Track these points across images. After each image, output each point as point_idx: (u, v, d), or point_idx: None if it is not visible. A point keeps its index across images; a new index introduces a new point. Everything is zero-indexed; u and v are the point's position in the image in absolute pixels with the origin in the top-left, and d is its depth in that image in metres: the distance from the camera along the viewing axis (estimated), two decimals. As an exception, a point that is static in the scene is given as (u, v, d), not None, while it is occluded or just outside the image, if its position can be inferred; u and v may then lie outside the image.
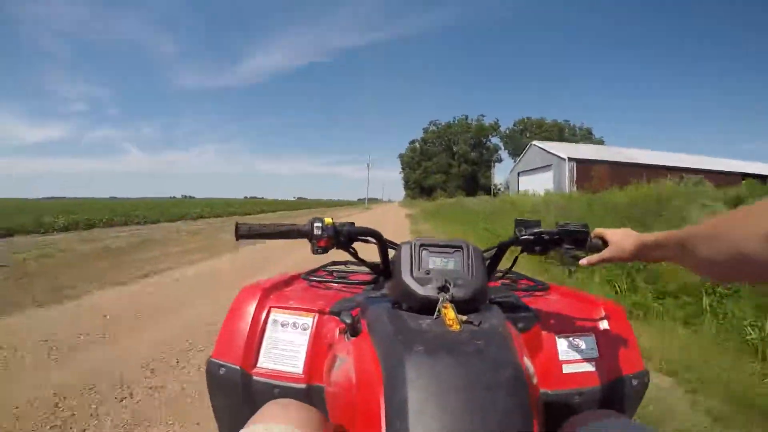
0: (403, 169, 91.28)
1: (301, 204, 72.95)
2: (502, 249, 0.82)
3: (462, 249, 0.71)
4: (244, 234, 0.73)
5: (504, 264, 0.92)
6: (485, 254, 0.77)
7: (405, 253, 0.70)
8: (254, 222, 0.75)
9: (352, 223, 0.77)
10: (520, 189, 30.40)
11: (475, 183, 56.67)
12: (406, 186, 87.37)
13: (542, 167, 29.01)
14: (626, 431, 0.56)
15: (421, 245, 0.70)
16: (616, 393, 0.78)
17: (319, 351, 0.80)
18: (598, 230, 0.73)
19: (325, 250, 0.74)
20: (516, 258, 0.91)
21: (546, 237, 0.77)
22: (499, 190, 49.52)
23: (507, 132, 59.12)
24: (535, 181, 28.51)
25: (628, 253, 0.65)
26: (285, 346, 0.82)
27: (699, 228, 0.48)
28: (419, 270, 0.68)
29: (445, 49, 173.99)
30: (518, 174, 33.63)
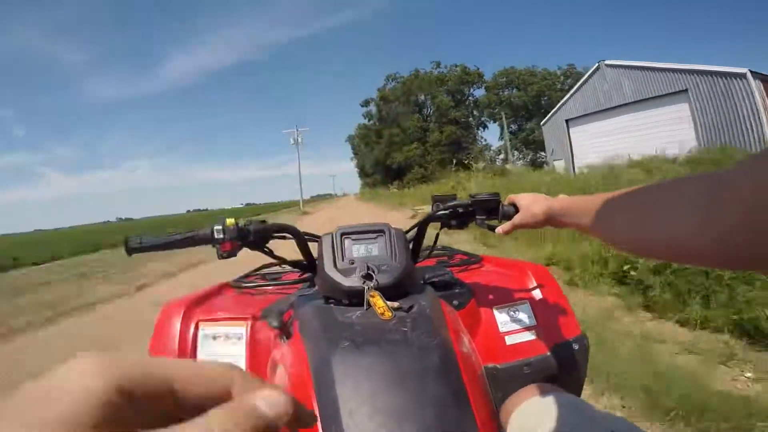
0: (355, 153, 71.27)
1: (245, 211, 63.23)
2: (422, 227, 0.80)
3: (384, 233, 0.68)
4: (134, 248, 0.67)
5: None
6: (408, 235, 0.74)
7: (326, 244, 0.67)
8: (149, 234, 0.68)
9: (262, 221, 0.72)
10: (574, 149, 16.80)
11: (463, 153, 38.03)
12: (363, 173, 68.20)
13: (638, 102, 13.70)
14: (566, 407, 0.52)
15: (342, 234, 0.67)
16: (561, 360, 0.74)
17: (258, 359, 0.73)
18: (510, 197, 0.70)
19: (231, 254, 0.68)
20: (437, 234, 0.90)
21: (461, 210, 0.75)
22: (492, 161, 32.18)
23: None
24: (612, 130, 14.69)
25: (538, 219, 0.62)
26: (221, 359, 0.69)
27: (616, 197, 0.42)
28: (343, 260, 0.65)
29: (385, 23, 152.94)
30: (567, 123, 17.34)
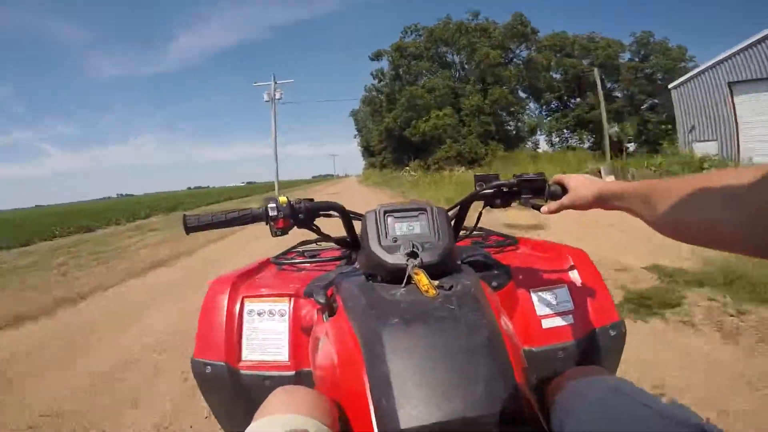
0: (359, 129, 59.44)
1: (245, 189, 57.83)
2: (464, 206, 0.78)
3: (426, 211, 0.67)
4: (192, 226, 0.67)
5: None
6: (450, 213, 0.73)
7: (370, 222, 0.66)
8: (203, 213, 0.69)
9: (311, 199, 0.71)
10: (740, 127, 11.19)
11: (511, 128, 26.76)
12: (367, 151, 56.97)
13: None
14: (613, 390, 0.51)
15: (385, 212, 0.67)
16: (596, 346, 0.72)
17: (301, 335, 0.74)
18: (557, 177, 0.69)
19: (284, 232, 0.67)
20: (480, 213, 0.86)
21: (505, 189, 0.73)
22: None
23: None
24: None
25: (587, 201, 0.62)
26: (266, 335, 0.75)
27: (666, 184, 0.45)
28: (386, 238, 0.64)
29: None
30: (729, 87, 11.00)
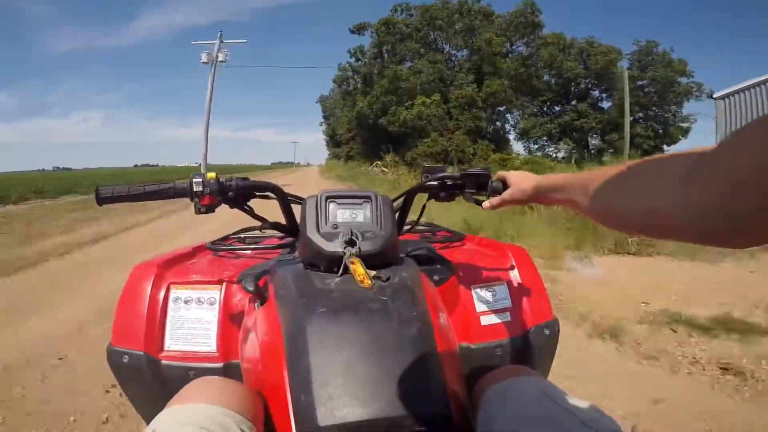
0: (326, 117, 54.40)
1: (197, 169, 44.10)
2: (409, 197, 0.77)
3: (371, 199, 0.64)
4: (106, 197, 0.62)
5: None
6: (394, 204, 0.70)
7: (310, 207, 0.62)
8: (122, 184, 0.64)
9: (245, 177, 0.67)
10: None
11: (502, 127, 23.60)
12: (332, 141, 52.02)
13: None
14: (535, 391, 0.51)
15: (328, 198, 0.63)
16: (531, 344, 0.72)
17: (231, 325, 0.70)
18: (500, 173, 0.70)
19: (210, 209, 0.64)
20: (424, 206, 0.84)
21: (450, 182, 0.72)
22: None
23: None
24: None
25: (526, 195, 0.62)
26: (192, 324, 0.70)
27: (604, 171, 0.42)
28: (326, 224, 0.61)
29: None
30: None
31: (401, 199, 0.76)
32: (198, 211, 0.63)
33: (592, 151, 28.97)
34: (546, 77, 25.24)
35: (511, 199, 0.65)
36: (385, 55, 23.44)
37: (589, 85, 28.59)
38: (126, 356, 0.68)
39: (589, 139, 29.65)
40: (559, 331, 0.76)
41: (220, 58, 15.74)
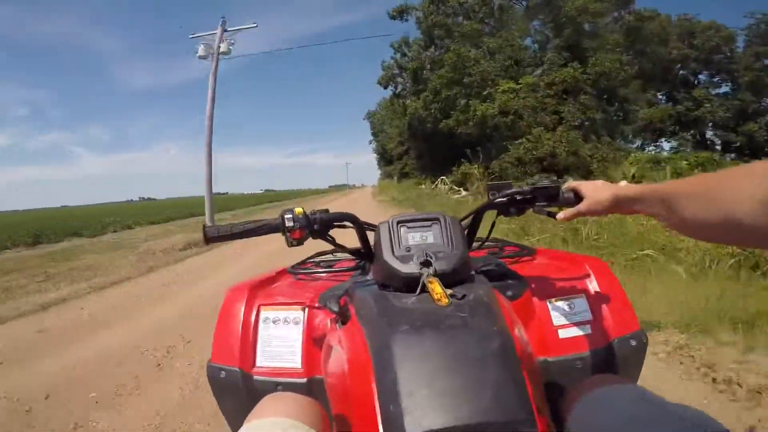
0: (375, 134, 49.98)
1: (264, 197, 56.97)
2: (478, 215, 0.76)
3: (439, 221, 0.65)
4: (213, 237, 0.67)
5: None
6: (463, 223, 0.71)
7: (384, 232, 0.64)
8: (224, 225, 0.70)
9: (326, 210, 0.71)
10: None
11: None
12: (383, 159, 47.26)
13: None
14: (631, 397, 0.50)
15: (398, 222, 0.65)
16: (616, 356, 0.70)
17: (314, 343, 0.74)
18: (571, 184, 0.68)
19: (300, 242, 0.67)
20: (494, 223, 0.81)
21: (519, 197, 0.70)
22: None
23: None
24: None
25: (604, 207, 0.60)
26: (280, 342, 0.75)
27: (685, 185, 0.43)
28: (400, 248, 0.62)
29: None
30: None
31: (469, 218, 0.76)
32: (290, 244, 0.66)
33: (709, 144, 21.12)
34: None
35: (587, 210, 0.62)
36: (437, 40, 17.67)
37: (696, 69, 20.88)
38: (223, 372, 0.72)
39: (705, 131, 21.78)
40: (647, 342, 0.73)
41: (223, 48, 10.80)
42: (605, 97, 15.28)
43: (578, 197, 0.65)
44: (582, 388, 0.55)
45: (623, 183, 0.60)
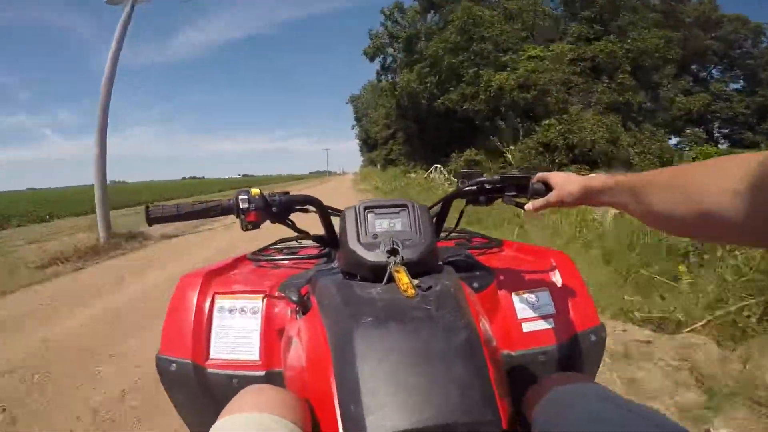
0: (358, 118, 46.64)
1: (241, 182, 55.11)
2: (447, 203, 0.74)
3: (407, 208, 0.62)
4: (156, 218, 0.63)
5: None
6: (431, 211, 0.69)
7: (350, 218, 0.61)
8: (170, 204, 0.65)
9: (286, 192, 0.67)
10: None
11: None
12: (366, 144, 43.99)
13: None
14: (595, 397, 0.48)
15: (365, 208, 0.62)
16: (577, 351, 0.69)
17: (273, 334, 0.69)
18: (541, 174, 0.66)
19: (255, 225, 0.63)
20: (462, 211, 0.80)
21: (488, 186, 0.69)
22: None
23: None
24: None
25: (573, 197, 0.58)
26: (236, 333, 0.70)
27: (655, 176, 0.42)
28: (366, 235, 0.59)
29: None
30: None
31: (438, 206, 0.74)
32: (245, 228, 0.62)
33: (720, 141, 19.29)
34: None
35: (557, 201, 0.60)
36: (438, 5, 14.44)
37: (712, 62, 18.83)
38: (174, 364, 0.68)
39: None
40: (606, 336, 0.73)
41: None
42: (638, 79, 12.49)
43: (548, 188, 0.62)
44: (544, 386, 0.54)
45: (595, 174, 0.58)
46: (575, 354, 0.68)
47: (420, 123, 16.37)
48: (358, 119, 45.34)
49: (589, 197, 0.56)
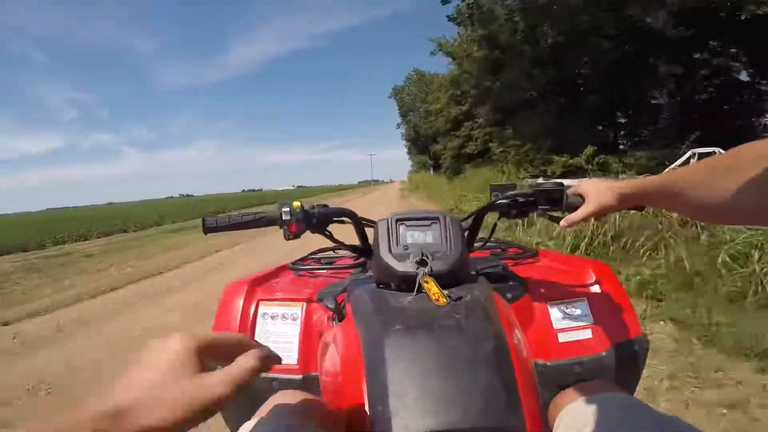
0: (404, 114, 37.92)
1: (295, 193, 54.55)
2: (479, 217, 0.72)
3: (439, 220, 0.62)
4: (211, 228, 0.66)
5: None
6: (463, 224, 0.68)
7: (382, 230, 0.62)
8: (222, 216, 0.68)
9: (325, 205, 0.68)
10: None
11: None
12: (414, 145, 35.72)
13: None
14: (620, 406, 0.48)
15: (398, 220, 0.63)
16: (617, 361, 0.67)
17: (311, 340, 0.72)
18: (575, 187, 0.64)
19: (296, 236, 0.65)
20: (495, 225, 0.78)
21: (521, 200, 0.67)
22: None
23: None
24: None
25: (612, 205, 0.56)
26: (277, 338, 0.73)
27: (688, 172, 0.44)
28: (397, 246, 0.60)
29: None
30: None
31: (471, 219, 0.73)
32: (287, 238, 0.64)
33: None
34: None
35: (596, 211, 0.57)
36: None
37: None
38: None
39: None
40: (648, 348, 0.70)
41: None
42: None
43: (582, 199, 0.60)
44: (570, 394, 0.53)
45: (624, 179, 0.58)
46: (614, 365, 0.65)
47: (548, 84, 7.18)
48: (403, 114, 36.62)
49: (625, 202, 0.55)
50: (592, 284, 0.73)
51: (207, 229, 0.65)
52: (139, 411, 0.22)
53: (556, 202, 0.63)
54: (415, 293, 0.52)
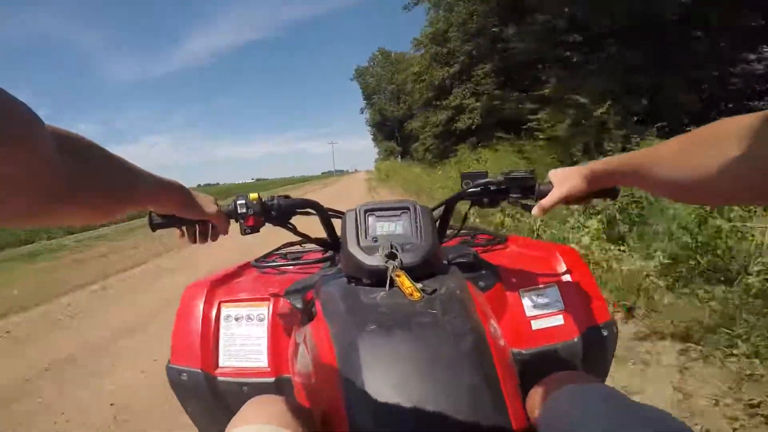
0: (368, 96, 34.27)
1: (254, 186, 51.37)
2: (450, 205, 0.71)
3: (409, 210, 0.60)
4: (157, 223, 0.60)
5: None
6: (434, 213, 0.66)
7: (350, 221, 0.60)
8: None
9: (286, 196, 0.66)
10: None
11: None
12: (380, 131, 32.21)
13: None
14: (602, 398, 0.47)
15: (366, 211, 0.60)
16: (588, 347, 0.66)
17: (281, 340, 0.68)
18: (549, 175, 0.62)
19: (254, 230, 0.62)
20: (466, 213, 0.77)
21: (493, 188, 0.65)
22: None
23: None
24: None
25: (581, 189, 0.55)
26: (243, 341, 0.69)
27: (659, 149, 0.43)
28: (366, 238, 0.58)
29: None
30: None
31: (441, 208, 0.71)
32: (243, 232, 0.61)
33: None
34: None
35: (565, 196, 0.56)
36: None
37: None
38: (185, 374, 0.66)
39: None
40: (617, 332, 0.69)
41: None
42: None
43: (552, 186, 0.59)
44: (549, 386, 0.51)
45: (592, 162, 0.56)
46: (587, 350, 0.65)
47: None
48: (367, 98, 32.93)
49: (595, 184, 0.53)
50: (561, 269, 0.71)
51: (154, 225, 0.58)
52: None
53: (529, 190, 0.61)
54: (387, 288, 0.49)
